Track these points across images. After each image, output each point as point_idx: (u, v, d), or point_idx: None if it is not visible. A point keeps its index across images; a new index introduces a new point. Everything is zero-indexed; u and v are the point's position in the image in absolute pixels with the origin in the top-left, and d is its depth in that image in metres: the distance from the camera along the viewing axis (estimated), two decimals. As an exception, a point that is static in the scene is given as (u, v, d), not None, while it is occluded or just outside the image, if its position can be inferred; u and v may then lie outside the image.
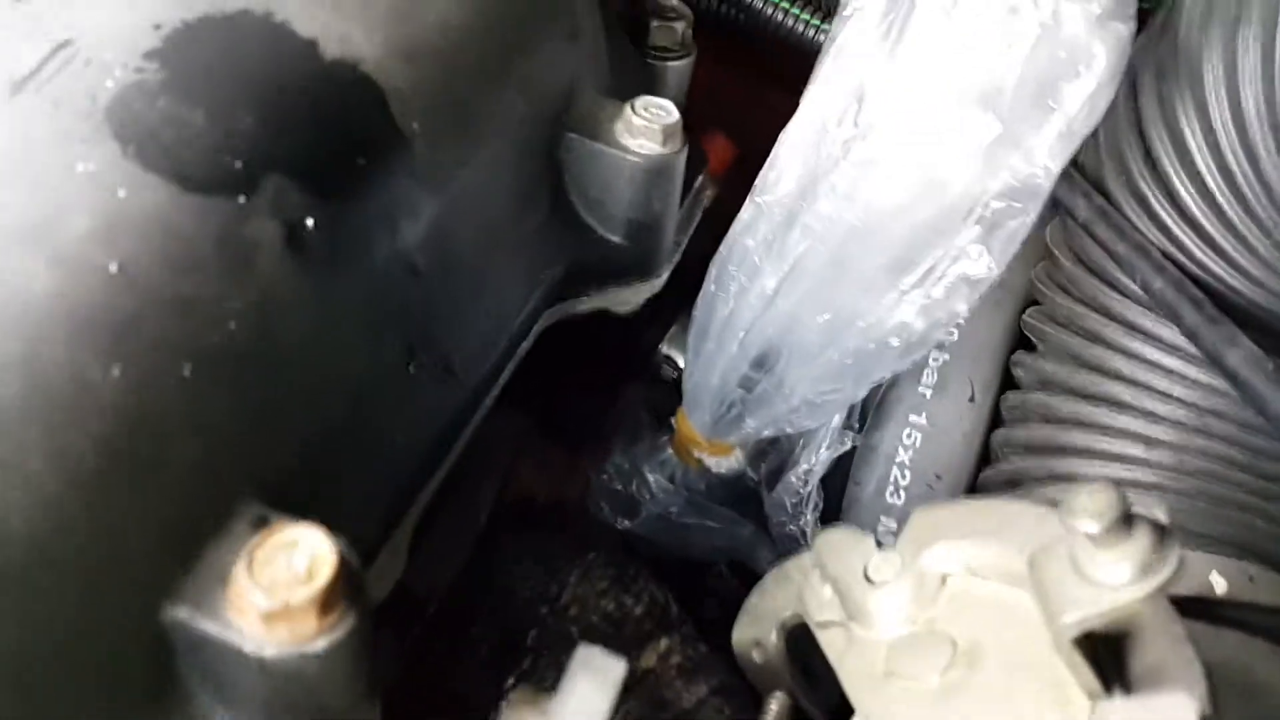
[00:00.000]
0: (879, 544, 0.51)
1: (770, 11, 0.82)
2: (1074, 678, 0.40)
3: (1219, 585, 0.58)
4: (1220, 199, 0.55)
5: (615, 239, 0.64)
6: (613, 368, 0.94)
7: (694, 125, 0.93)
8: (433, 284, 0.50)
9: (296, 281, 0.41)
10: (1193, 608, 0.58)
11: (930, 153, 0.59)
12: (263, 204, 0.41)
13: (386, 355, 0.47)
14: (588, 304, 0.66)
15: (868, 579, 0.50)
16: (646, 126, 0.60)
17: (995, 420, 0.73)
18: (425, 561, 0.69)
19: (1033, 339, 0.71)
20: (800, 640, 0.56)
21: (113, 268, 0.36)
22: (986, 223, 0.61)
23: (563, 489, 0.85)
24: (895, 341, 0.65)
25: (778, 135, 0.68)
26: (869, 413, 0.76)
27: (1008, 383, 0.73)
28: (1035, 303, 0.73)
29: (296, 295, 0.41)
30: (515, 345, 0.60)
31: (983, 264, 0.62)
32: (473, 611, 0.73)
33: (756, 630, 0.57)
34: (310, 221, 0.42)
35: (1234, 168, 0.54)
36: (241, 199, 0.40)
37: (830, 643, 0.52)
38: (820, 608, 0.53)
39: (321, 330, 0.42)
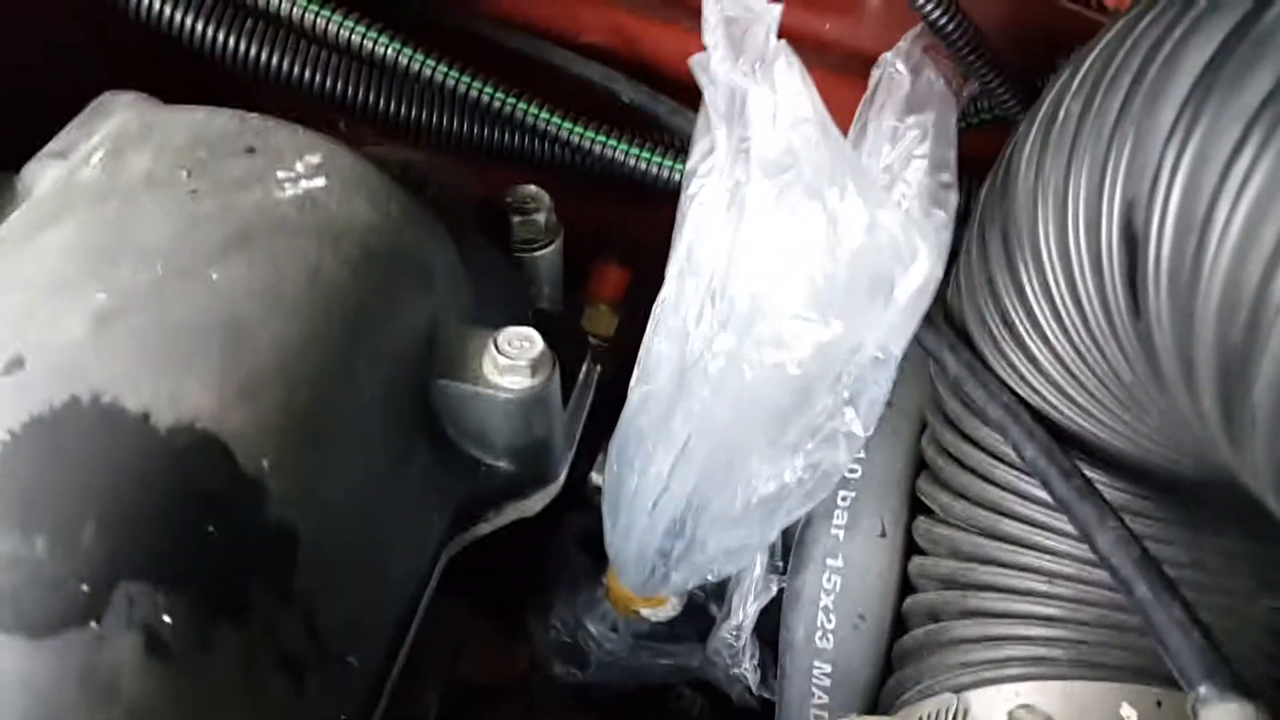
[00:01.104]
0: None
1: (623, 158, 0.83)
2: None
3: (1130, 717, 0.60)
4: (1077, 371, 0.56)
5: (503, 465, 0.65)
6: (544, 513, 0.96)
7: (582, 254, 0.94)
8: (313, 601, 0.51)
9: (165, 686, 0.42)
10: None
11: (780, 350, 0.60)
12: (118, 620, 0.42)
13: (274, 697, 0.48)
14: (488, 526, 0.67)
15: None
16: (513, 363, 0.61)
17: (912, 546, 0.74)
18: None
19: (931, 467, 0.73)
20: None
21: (-33, 757, 0.37)
22: (849, 392, 0.63)
23: (507, 661, 0.87)
24: (791, 489, 0.67)
25: (667, 244, 0.69)
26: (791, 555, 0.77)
27: (919, 505, 0.75)
28: (930, 426, 0.74)
29: (168, 700, 0.42)
30: (417, 598, 0.61)
31: (855, 426, 0.64)
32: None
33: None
34: (167, 618, 0.43)
35: (1074, 334, 0.55)
36: (94, 624, 0.41)
37: None
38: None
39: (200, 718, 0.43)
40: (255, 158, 0.59)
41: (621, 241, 1.03)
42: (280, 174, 0.58)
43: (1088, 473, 0.59)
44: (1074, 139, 0.51)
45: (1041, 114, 0.56)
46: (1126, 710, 0.60)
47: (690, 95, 0.88)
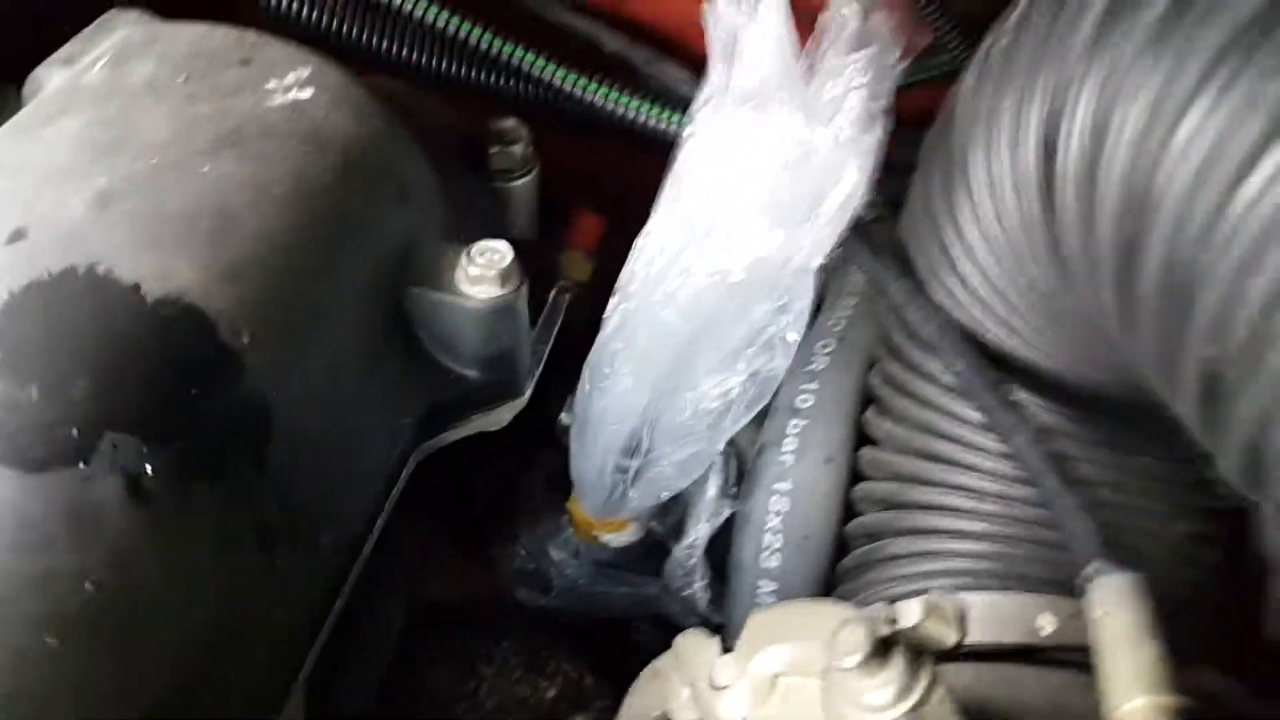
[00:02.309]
0: (725, 647, 0.57)
1: (613, 108, 0.86)
2: (867, 782, 0.45)
3: (1047, 626, 0.64)
4: (1003, 288, 0.61)
5: (472, 374, 0.69)
6: (516, 444, 1.00)
7: (562, 202, 0.98)
8: (286, 476, 0.55)
9: (145, 529, 0.46)
10: (1021, 653, 0.64)
11: (734, 259, 0.65)
12: (103, 465, 0.46)
13: (246, 561, 0.52)
14: (456, 434, 0.71)
15: (714, 685, 0.56)
16: (483, 273, 0.64)
17: (857, 474, 0.79)
18: (348, 683, 0.75)
19: (877, 398, 0.77)
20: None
21: (-29, 565, 0.41)
22: (783, 300, 0.68)
23: (475, 581, 0.91)
24: (735, 398, 0.73)
25: (649, 194, 0.73)
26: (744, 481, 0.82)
27: (865, 438, 0.79)
28: (879, 361, 0.78)
29: (147, 542, 0.46)
30: (386, 493, 0.65)
31: (789, 332, 0.70)
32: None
33: (634, 729, 0.63)
34: (149, 468, 0.47)
35: (999, 252, 0.59)
36: (82, 465, 0.45)
37: (690, 739, 0.57)
38: (681, 709, 0.59)
39: (176, 566, 0.47)
40: (249, 68, 0.63)
41: (601, 191, 1.07)
42: (271, 84, 0.62)
43: (1016, 392, 0.64)
44: (1005, 69, 0.55)
45: (980, 53, 0.60)
46: (1043, 619, 0.65)
47: (667, 47, 0.93)
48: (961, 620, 0.49)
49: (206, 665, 0.49)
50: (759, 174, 0.61)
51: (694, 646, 0.58)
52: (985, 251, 0.59)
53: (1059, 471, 0.52)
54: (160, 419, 0.48)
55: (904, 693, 0.43)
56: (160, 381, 0.49)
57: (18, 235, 0.51)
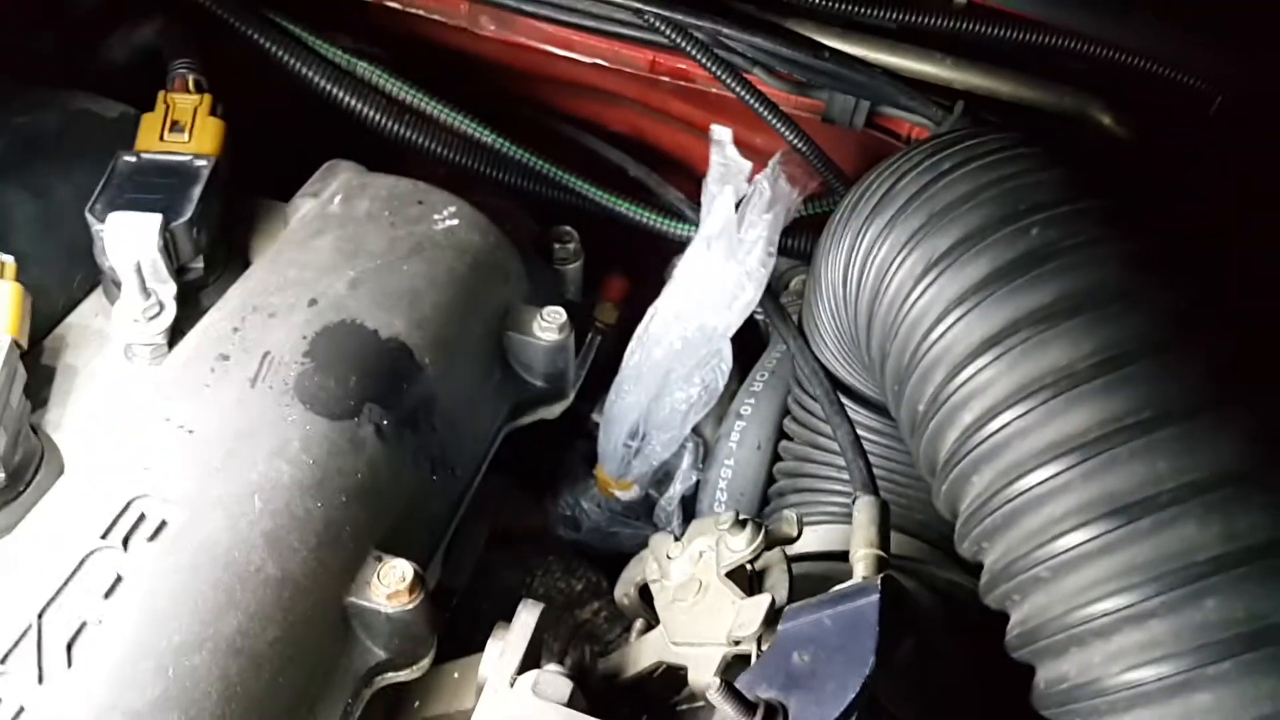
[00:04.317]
0: (676, 539, 1.03)
1: (625, 212, 1.33)
2: (734, 594, 0.91)
3: (869, 543, 1.10)
4: (839, 346, 1.07)
5: (539, 384, 1.16)
6: (561, 431, 1.47)
7: (599, 269, 1.45)
8: (443, 433, 1.02)
9: (383, 452, 0.94)
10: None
11: (687, 328, 1.12)
12: (365, 419, 0.93)
13: (423, 475, 0.99)
14: (528, 419, 1.18)
15: (668, 557, 1.02)
16: (548, 325, 1.12)
17: (778, 457, 1.25)
18: (452, 571, 1.22)
19: (790, 411, 1.23)
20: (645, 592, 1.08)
21: (311, 461, 0.88)
22: (717, 347, 1.15)
23: (532, 520, 1.38)
24: (694, 400, 1.19)
25: (659, 263, 1.22)
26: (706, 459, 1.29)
27: (784, 434, 1.25)
28: (795, 387, 1.25)
29: (383, 459, 0.93)
30: (488, 451, 1.12)
31: (722, 364, 1.16)
32: (481, 598, 1.25)
33: (624, 589, 1.09)
34: (385, 422, 0.94)
35: (837, 338, 1.06)
36: (356, 420, 0.93)
37: (655, 590, 1.03)
38: (651, 573, 1.05)
39: (394, 472, 0.94)
40: (423, 206, 1.11)
41: (628, 260, 1.54)
42: (435, 216, 1.10)
43: (855, 406, 1.11)
44: (836, 227, 1.02)
45: (832, 216, 1.07)
46: (868, 539, 1.10)
47: (673, 171, 1.40)
48: (800, 524, 0.94)
49: (405, 523, 0.96)
50: (704, 284, 1.08)
51: (659, 539, 1.04)
52: (829, 326, 1.06)
53: (854, 449, 0.98)
54: (389, 397, 0.96)
55: (750, 542, 0.89)
56: (388, 379, 0.97)
57: (313, 302, 0.99)
